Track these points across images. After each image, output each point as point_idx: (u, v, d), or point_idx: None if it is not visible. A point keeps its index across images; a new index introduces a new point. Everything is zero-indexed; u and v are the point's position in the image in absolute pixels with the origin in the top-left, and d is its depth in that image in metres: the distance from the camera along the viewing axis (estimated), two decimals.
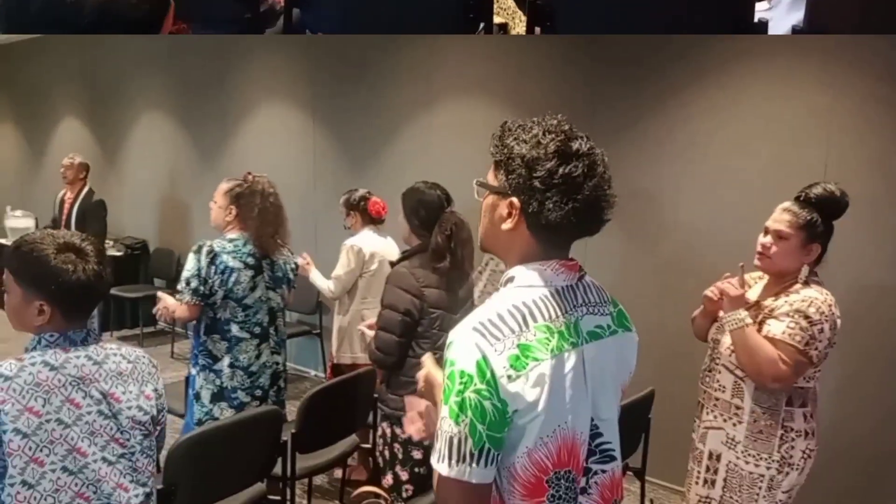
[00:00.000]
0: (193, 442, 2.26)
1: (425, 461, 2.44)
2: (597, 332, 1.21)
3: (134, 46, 6.56)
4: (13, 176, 8.66)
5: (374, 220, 3.63)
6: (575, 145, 1.13)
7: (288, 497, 2.70)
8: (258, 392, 2.84)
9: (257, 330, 2.81)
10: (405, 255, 2.53)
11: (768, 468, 2.04)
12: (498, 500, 1.15)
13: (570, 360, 1.13)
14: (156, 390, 1.64)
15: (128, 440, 1.55)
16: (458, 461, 1.07)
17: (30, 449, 1.41)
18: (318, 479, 3.51)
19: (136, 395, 1.58)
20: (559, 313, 1.15)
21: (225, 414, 2.76)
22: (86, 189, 5.41)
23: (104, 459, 1.50)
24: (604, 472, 1.22)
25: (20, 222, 6.79)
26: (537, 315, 1.13)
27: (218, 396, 2.77)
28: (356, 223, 3.65)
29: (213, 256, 2.68)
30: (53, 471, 1.43)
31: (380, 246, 3.59)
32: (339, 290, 3.56)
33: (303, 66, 5.17)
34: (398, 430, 2.42)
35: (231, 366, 2.76)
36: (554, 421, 1.11)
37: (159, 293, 2.99)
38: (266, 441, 2.52)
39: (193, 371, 2.83)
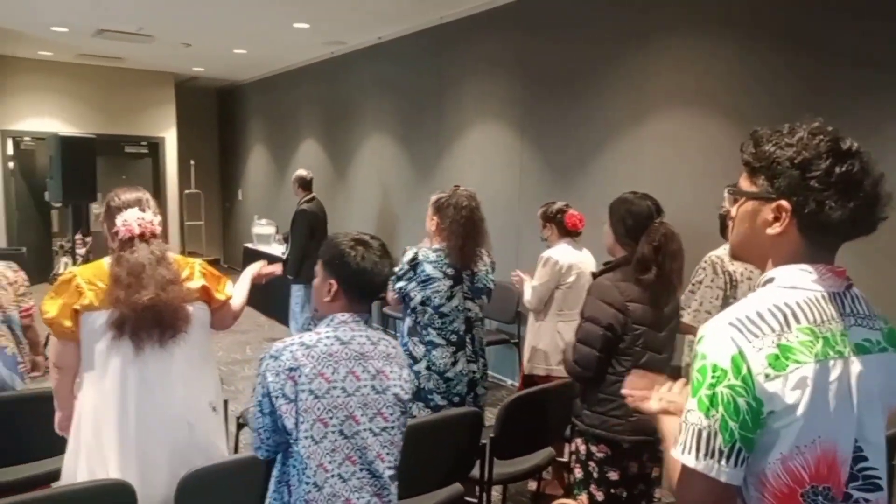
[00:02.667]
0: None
1: (623, 482, 2.35)
2: (865, 345, 1.13)
3: (366, 74, 7.22)
4: (262, 190, 9.97)
5: (570, 232, 3.60)
6: (845, 144, 1.11)
7: (484, 501, 2.76)
8: (455, 399, 2.94)
9: (454, 338, 2.92)
10: (608, 267, 2.46)
11: None
12: None
13: (836, 370, 1.08)
14: (409, 374, 1.87)
15: (390, 415, 1.76)
16: (706, 455, 1.06)
17: (318, 409, 1.67)
18: (512, 489, 3.54)
19: (398, 376, 1.80)
20: (825, 318, 1.11)
21: (421, 413, 2.89)
22: (302, 199, 6.03)
23: (370, 430, 1.73)
24: (867, 501, 1.12)
25: (264, 229, 7.78)
26: (801, 317, 1.09)
27: (415, 395, 2.89)
28: (552, 235, 3.64)
29: (415, 264, 2.85)
30: (333, 432, 1.68)
31: (576, 258, 3.55)
32: (535, 301, 3.58)
33: (514, 87, 5.31)
34: (594, 448, 2.36)
35: (428, 368, 2.90)
36: (814, 430, 1.06)
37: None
38: (465, 442, 2.60)
39: None
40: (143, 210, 2.19)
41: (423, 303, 2.87)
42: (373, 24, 6.33)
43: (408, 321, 2.94)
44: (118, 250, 2.15)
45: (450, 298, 2.89)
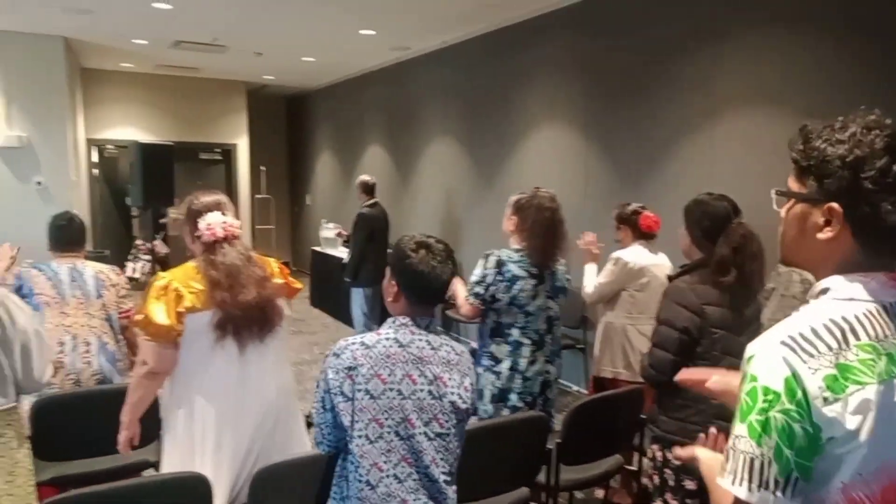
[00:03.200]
0: (469, 436, 2.39)
1: (700, 493, 2.27)
2: None
3: (430, 79, 7.28)
4: (329, 194, 10.18)
5: (644, 234, 3.52)
6: None
7: None
8: (528, 398, 2.92)
9: (535, 337, 2.90)
10: (684, 270, 2.39)
11: None
12: None
13: None
14: (472, 384, 1.83)
15: (446, 422, 1.75)
16: (759, 486, 0.97)
17: (374, 409, 1.69)
18: (578, 496, 3.48)
19: (458, 384, 1.78)
20: (888, 333, 1.00)
21: (501, 414, 2.88)
22: (364, 204, 6.12)
23: (425, 434, 1.72)
24: None
25: (331, 233, 7.93)
26: (860, 332, 0.99)
27: (498, 397, 2.89)
28: (626, 237, 3.57)
29: (500, 265, 2.83)
30: (389, 433, 1.70)
31: (650, 261, 3.47)
32: (595, 296, 3.53)
33: (579, 88, 5.25)
34: (670, 455, 2.30)
35: (511, 368, 2.87)
36: (879, 456, 0.96)
37: (456, 278, 3.19)
38: (532, 446, 2.57)
39: (479, 370, 2.96)
40: (224, 213, 2.26)
41: (509, 303, 2.85)
42: (437, 29, 6.38)
43: (489, 323, 2.92)
44: (203, 253, 2.22)
45: (534, 297, 2.88)
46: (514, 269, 2.84)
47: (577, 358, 5.25)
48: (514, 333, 2.87)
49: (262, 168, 10.56)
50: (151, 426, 2.85)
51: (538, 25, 5.63)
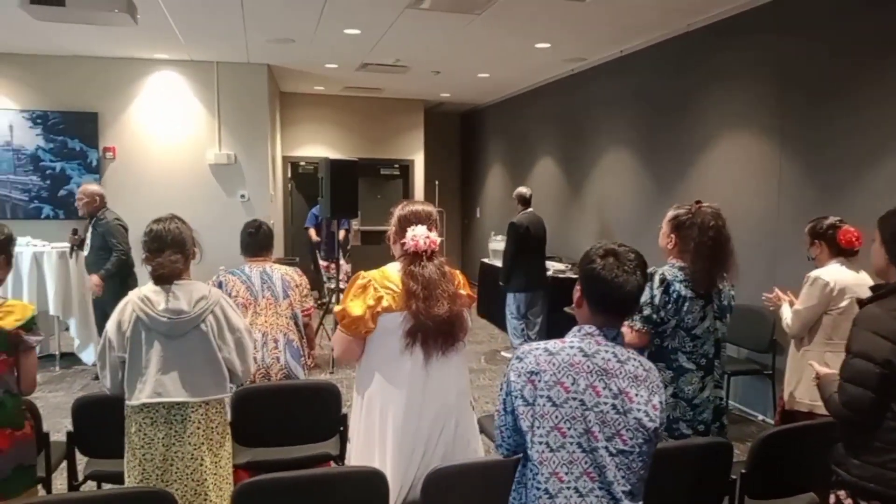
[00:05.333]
0: None
1: None
2: None
3: (605, 89, 7.14)
4: (498, 207, 10.32)
5: (843, 251, 3.16)
6: None
7: None
8: (700, 427, 2.72)
9: (703, 361, 2.70)
10: (880, 293, 2.07)
11: None
12: None
13: None
14: (661, 402, 1.75)
15: (631, 439, 1.68)
16: None
17: (556, 417, 1.68)
18: None
19: (645, 401, 1.71)
20: None
21: (666, 443, 2.72)
22: (520, 211, 6.40)
23: (607, 450, 1.67)
24: None
25: (499, 245, 8.03)
26: None
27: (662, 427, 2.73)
28: (822, 254, 3.23)
29: (666, 285, 2.66)
30: (571, 443, 1.67)
31: (851, 280, 3.11)
32: (796, 326, 3.20)
33: (771, 93, 4.86)
34: None
35: (674, 395, 2.70)
36: None
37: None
38: (713, 475, 2.40)
39: None
40: (430, 228, 2.36)
41: (676, 325, 2.66)
42: (615, 38, 6.24)
43: (650, 347, 2.76)
44: (403, 261, 2.34)
45: (702, 319, 2.68)
46: (680, 288, 2.62)
47: (763, 384, 4.82)
48: (680, 359, 2.66)
49: (436, 182, 10.96)
50: (332, 422, 3.06)
51: (724, 28, 5.30)
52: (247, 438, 2.91)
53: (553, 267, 7.12)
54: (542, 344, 1.76)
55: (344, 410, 3.02)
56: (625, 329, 2.73)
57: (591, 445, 1.66)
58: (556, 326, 6.39)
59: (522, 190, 6.60)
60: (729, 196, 4.72)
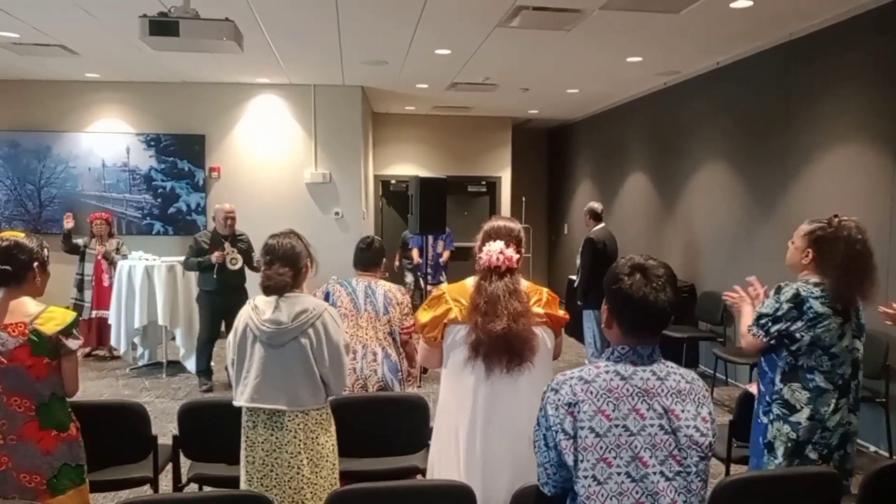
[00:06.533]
0: (739, 486, 2.19)
1: None
2: None
3: (700, 101, 6.93)
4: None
5: None
6: None
7: None
8: (824, 451, 2.57)
9: (840, 382, 2.55)
10: None
11: None
12: None
13: None
14: (710, 413, 1.66)
15: (685, 458, 1.59)
16: None
17: (600, 448, 1.58)
18: None
19: (693, 416, 1.62)
20: None
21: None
22: (591, 229, 6.38)
23: (662, 474, 1.57)
24: None
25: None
26: None
27: (793, 451, 2.57)
28: None
29: (799, 301, 2.54)
30: (619, 473, 1.57)
31: None
32: None
33: (884, 101, 4.56)
34: None
35: (810, 418, 2.56)
36: None
37: (744, 301, 2.87)
38: None
39: (763, 419, 2.69)
40: (509, 245, 2.36)
41: (812, 343, 2.54)
42: (712, 49, 6.05)
43: (781, 365, 2.64)
44: (478, 275, 2.36)
45: (840, 337, 2.54)
46: (816, 306, 2.51)
47: (875, 413, 4.49)
48: (817, 378, 2.54)
49: (523, 199, 10.93)
50: (420, 436, 3.10)
51: (830, 35, 5.03)
52: (340, 447, 2.97)
53: None
54: (575, 372, 1.67)
55: (431, 424, 3.05)
56: (743, 331, 2.68)
57: (640, 473, 1.57)
58: None
59: (594, 205, 6.61)
60: (836, 210, 4.44)
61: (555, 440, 1.62)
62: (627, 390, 1.61)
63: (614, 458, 1.57)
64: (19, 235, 2.49)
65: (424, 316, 2.41)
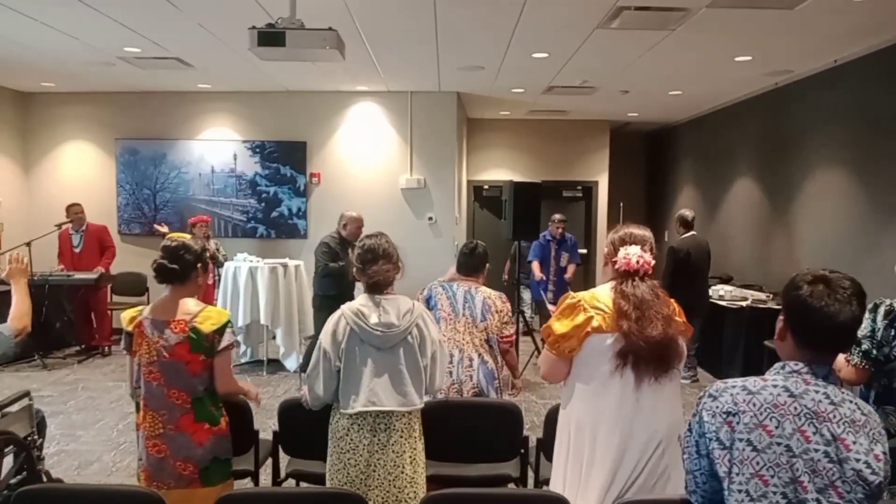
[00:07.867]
0: None
1: None
2: None
3: (815, 102, 6.50)
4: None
5: None
6: None
7: None
8: None
9: None
10: None
11: None
12: None
13: None
14: (885, 453, 1.53)
15: (847, 492, 1.48)
16: None
17: (757, 464, 1.51)
18: None
19: (865, 450, 1.50)
20: None
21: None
22: (681, 236, 6.19)
23: (818, 502, 1.47)
24: None
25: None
26: None
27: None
28: None
29: (892, 318, 2.34)
30: (774, 493, 1.49)
31: None
32: None
33: None
34: None
35: None
36: None
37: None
38: None
39: None
40: (645, 250, 2.31)
41: None
42: (828, 47, 5.66)
43: (875, 387, 2.44)
44: (615, 281, 2.30)
45: None
46: None
47: None
48: None
49: (621, 204, 10.64)
50: (514, 444, 3.05)
51: None
52: (430, 450, 2.98)
53: (752, 295, 6.62)
54: (738, 381, 1.60)
55: (525, 433, 2.99)
56: (840, 361, 2.47)
57: (798, 497, 1.47)
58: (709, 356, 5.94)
59: (685, 212, 6.40)
60: None
61: (707, 448, 1.57)
62: (795, 409, 1.52)
63: (771, 476, 1.50)
64: (185, 237, 2.69)
65: (561, 327, 2.28)
